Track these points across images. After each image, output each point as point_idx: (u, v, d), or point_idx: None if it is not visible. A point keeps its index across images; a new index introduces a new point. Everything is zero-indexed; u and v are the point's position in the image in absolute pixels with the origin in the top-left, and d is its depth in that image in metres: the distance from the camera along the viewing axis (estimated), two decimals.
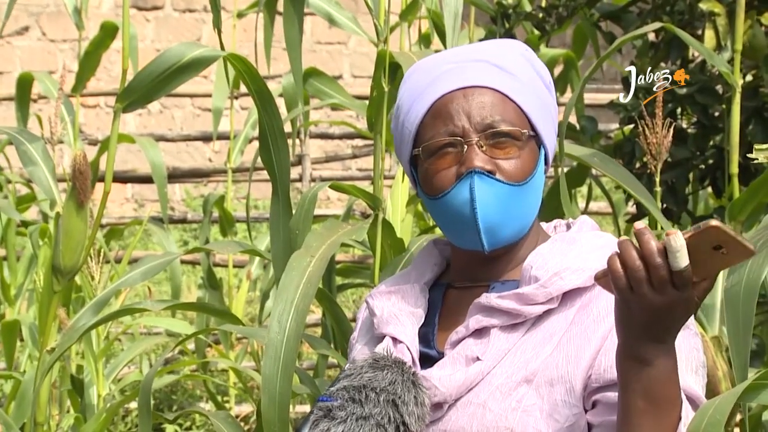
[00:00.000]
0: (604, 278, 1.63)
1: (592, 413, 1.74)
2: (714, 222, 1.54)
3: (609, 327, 1.74)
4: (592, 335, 1.76)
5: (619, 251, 1.59)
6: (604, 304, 1.78)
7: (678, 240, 1.55)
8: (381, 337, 1.89)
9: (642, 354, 1.62)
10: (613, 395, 1.71)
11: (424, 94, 1.89)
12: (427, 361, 1.85)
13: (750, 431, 2.81)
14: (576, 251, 1.83)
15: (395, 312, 1.89)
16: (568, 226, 1.95)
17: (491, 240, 1.84)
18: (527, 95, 1.87)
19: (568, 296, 1.81)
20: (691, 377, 1.76)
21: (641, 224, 1.59)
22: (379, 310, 1.91)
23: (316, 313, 6.45)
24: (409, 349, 1.85)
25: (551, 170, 3.59)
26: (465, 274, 1.92)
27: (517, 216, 1.85)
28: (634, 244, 1.58)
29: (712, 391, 2.68)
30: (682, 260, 1.55)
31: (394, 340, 1.86)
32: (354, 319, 2.11)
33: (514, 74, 1.88)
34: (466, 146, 1.83)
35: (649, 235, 1.57)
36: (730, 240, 1.54)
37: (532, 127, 1.87)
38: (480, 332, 1.82)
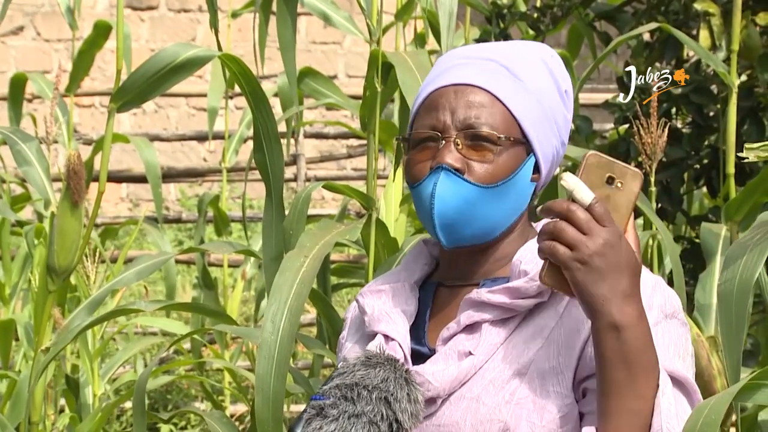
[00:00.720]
0: (547, 270, 1.69)
1: (582, 402, 1.76)
2: (590, 152, 1.65)
3: None
4: (581, 326, 1.77)
5: (541, 236, 1.66)
6: None
7: (571, 178, 1.64)
8: (372, 335, 1.90)
9: (615, 319, 1.64)
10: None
11: (427, 86, 1.93)
12: (419, 358, 1.85)
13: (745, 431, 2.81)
14: None
15: (386, 310, 1.90)
16: None
17: (448, 237, 1.86)
18: (525, 101, 1.88)
19: None
20: (678, 362, 1.77)
21: (540, 207, 1.68)
22: (369, 308, 1.92)
23: (311, 313, 6.45)
24: (401, 347, 1.85)
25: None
26: (454, 272, 1.93)
27: (480, 217, 1.85)
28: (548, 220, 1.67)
29: (707, 390, 2.68)
30: (586, 195, 1.64)
31: (386, 337, 1.87)
32: None
33: (521, 78, 1.89)
34: (443, 141, 1.86)
35: (550, 202, 1.65)
36: (613, 165, 1.65)
37: (524, 134, 1.88)
38: (471, 327, 1.83)
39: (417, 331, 1.90)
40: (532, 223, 1.97)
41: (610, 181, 1.65)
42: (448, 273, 1.94)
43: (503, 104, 1.87)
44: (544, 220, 1.99)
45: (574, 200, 1.64)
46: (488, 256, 1.90)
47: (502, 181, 1.85)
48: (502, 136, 1.85)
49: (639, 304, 1.66)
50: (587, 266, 1.63)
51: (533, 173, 1.90)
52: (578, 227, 1.63)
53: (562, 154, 1.97)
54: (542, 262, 1.79)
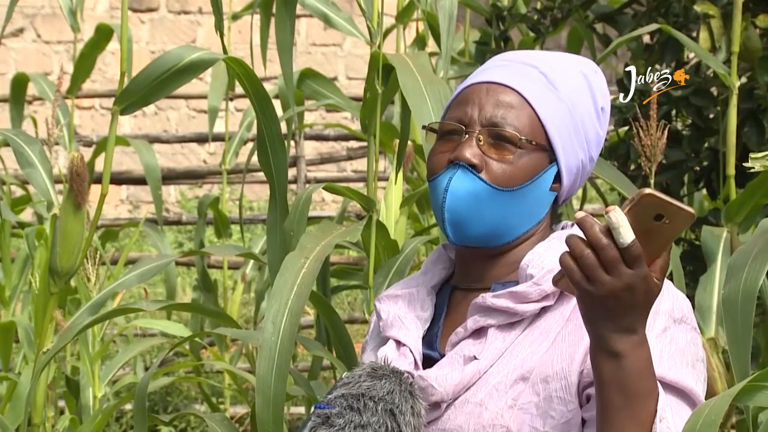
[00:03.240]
0: (562, 279, 1.64)
1: (585, 408, 1.75)
2: (647, 190, 1.56)
3: None
4: (586, 332, 1.77)
5: (568, 248, 1.60)
6: None
7: (618, 215, 1.56)
8: (386, 340, 1.90)
9: (614, 348, 1.62)
10: None
11: (464, 83, 1.93)
12: (430, 363, 1.85)
13: None
14: None
15: (400, 315, 1.90)
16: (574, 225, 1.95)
17: (457, 234, 1.86)
18: (555, 109, 1.87)
19: (564, 294, 1.82)
20: (685, 370, 1.76)
21: (581, 213, 1.59)
22: (385, 313, 1.93)
23: (310, 315, 6.45)
24: (412, 352, 1.85)
25: None
26: (468, 275, 1.93)
27: (490, 218, 1.85)
28: (581, 237, 1.59)
29: (708, 392, 2.68)
30: (627, 236, 1.56)
31: (398, 342, 1.87)
32: (349, 321, 2.12)
33: (557, 87, 1.89)
34: (466, 135, 1.86)
35: (591, 221, 1.58)
36: (667, 206, 1.56)
37: (549, 142, 1.87)
38: (478, 332, 1.83)
39: (431, 336, 1.91)
40: (554, 227, 1.96)
41: (659, 218, 1.58)
42: (463, 276, 1.94)
43: (532, 108, 1.86)
44: (565, 222, 1.98)
45: (612, 234, 1.57)
46: (502, 261, 1.90)
47: (519, 186, 1.84)
48: (524, 138, 1.84)
49: (641, 333, 1.63)
50: (597, 303, 1.60)
51: (554, 183, 1.89)
52: (603, 265, 1.57)
53: (589, 170, 1.95)
54: (547, 267, 1.80)
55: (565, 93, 1.89)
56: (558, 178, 1.89)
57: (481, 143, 1.84)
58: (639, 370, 1.63)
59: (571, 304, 1.81)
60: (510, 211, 1.85)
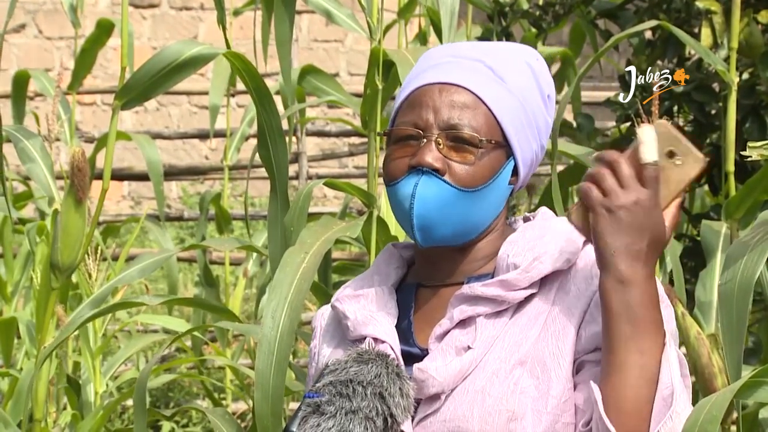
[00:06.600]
0: (576, 211, 1.75)
1: (577, 376, 1.79)
2: (662, 120, 1.67)
3: (588, 300, 1.81)
4: (574, 310, 1.81)
5: (587, 179, 1.72)
6: (581, 281, 1.83)
7: (649, 131, 1.66)
8: (356, 341, 1.89)
9: (623, 275, 1.70)
10: (593, 355, 1.78)
11: (411, 82, 1.93)
12: (409, 358, 1.85)
13: (745, 429, 2.82)
14: (550, 236, 1.87)
15: (369, 314, 1.91)
16: (526, 219, 1.97)
17: (425, 237, 1.87)
18: (508, 104, 1.88)
19: (546, 280, 1.85)
20: None
21: (595, 155, 1.73)
22: (351, 313, 1.92)
23: (312, 311, 6.45)
24: (392, 348, 1.86)
25: (548, 167, 3.59)
26: (434, 272, 1.93)
27: (457, 220, 1.86)
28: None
29: (707, 388, 2.69)
30: (651, 153, 1.67)
31: (375, 340, 1.87)
32: None
33: (505, 80, 1.89)
34: (424, 140, 1.86)
35: (605, 152, 1.72)
36: (680, 142, 1.66)
37: (505, 138, 1.88)
38: (465, 322, 1.84)
39: (403, 332, 1.91)
40: (508, 220, 1.98)
41: (671, 155, 1.67)
42: (428, 273, 1.94)
43: (487, 106, 1.87)
44: (513, 218, 2.01)
45: (636, 151, 1.67)
46: (468, 256, 1.91)
47: (482, 185, 1.86)
48: (483, 139, 1.86)
49: (650, 268, 1.71)
50: (611, 215, 1.70)
51: (511, 176, 1.91)
52: (619, 179, 1.70)
53: (540, 158, 1.98)
54: (532, 255, 1.84)
55: (513, 85, 1.90)
56: (515, 171, 1.92)
57: (441, 147, 1.85)
58: (646, 300, 1.71)
59: (554, 289, 1.84)
60: (474, 209, 1.87)
